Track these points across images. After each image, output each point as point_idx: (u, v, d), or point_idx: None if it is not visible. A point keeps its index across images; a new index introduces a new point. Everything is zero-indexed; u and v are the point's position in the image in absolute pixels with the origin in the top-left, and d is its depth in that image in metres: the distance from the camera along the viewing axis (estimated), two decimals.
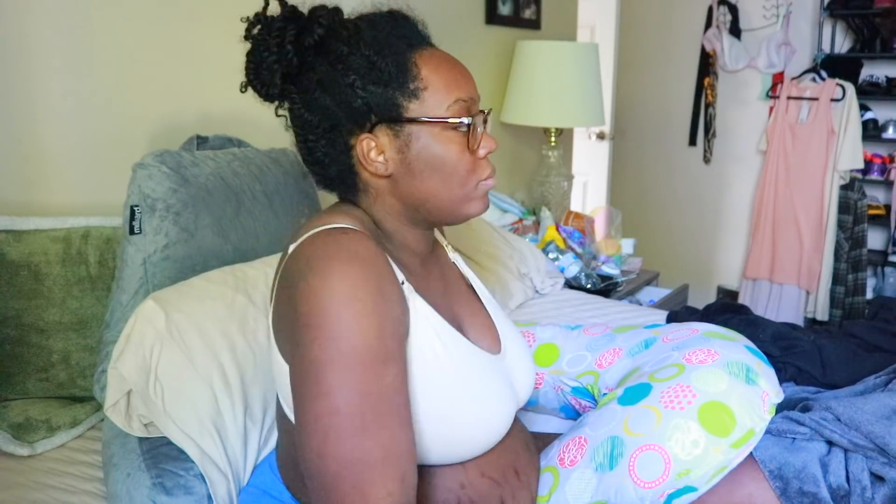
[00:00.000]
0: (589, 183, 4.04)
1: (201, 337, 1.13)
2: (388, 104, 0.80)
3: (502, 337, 0.99)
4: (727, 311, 1.83)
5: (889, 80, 3.50)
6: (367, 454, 0.70)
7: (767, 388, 1.02)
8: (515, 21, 2.75)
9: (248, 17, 0.84)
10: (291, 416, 0.85)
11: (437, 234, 1.04)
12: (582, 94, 2.48)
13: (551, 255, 2.40)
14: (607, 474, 0.92)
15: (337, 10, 0.85)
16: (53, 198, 1.46)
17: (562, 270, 2.37)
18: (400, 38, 0.82)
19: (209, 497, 1.04)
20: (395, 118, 0.81)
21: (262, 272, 1.29)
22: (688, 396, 0.96)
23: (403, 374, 0.77)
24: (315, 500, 0.73)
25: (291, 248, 0.82)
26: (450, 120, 0.81)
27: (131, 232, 1.25)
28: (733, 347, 1.08)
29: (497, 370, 0.91)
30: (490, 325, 0.99)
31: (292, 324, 0.76)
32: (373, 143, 0.82)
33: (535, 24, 2.87)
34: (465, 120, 0.82)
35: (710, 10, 3.72)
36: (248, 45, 0.85)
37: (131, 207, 1.26)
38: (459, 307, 0.97)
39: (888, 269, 3.60)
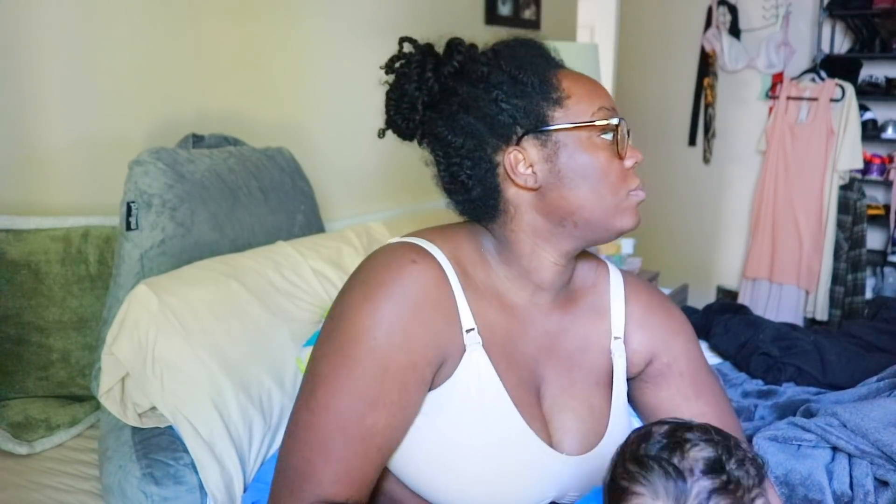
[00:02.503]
0: None
1: (196, 319, 1.14)
2: (533, 114, 0.80)
3: (601, 446, 0.89)
4: (727, 311, 1.83)
5: (888, 80, 3.50)
6: (319, 474, 0.76)
7: None
8: (515, 21, 2.75)
9: (390, 57, 0.86)
10: None
11: (616, 313, 0.96)
12: None
13: None
14: None
15: (473, 44, 0.86)
16: (53, 197, 1.46)
17: None
18: (538, 56, 0.83)
19: (201, 487, 1.04)
20: (541, 128, 0.80)
21: (254, 260, 1.30)
22: None
23: (396, 419, 0.78)
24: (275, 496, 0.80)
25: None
26: (597, 123, 0.80)
27: (128, 228, 1.25)
28: None
29: (542, 463, 0.84)
30: (593, 428, 0.90)
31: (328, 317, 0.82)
32: (520, 156, 0.81)
33: (534, 25, 2.87)
34: (614, 121, 0.81)
35: (710, 10, 3.72)
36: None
37: (128, 204, 1.26)
38: (556, 376, 0.90)
39: (887, 269, 3.60)
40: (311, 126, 1.98)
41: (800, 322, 3.50)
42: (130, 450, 1.08)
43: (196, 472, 1.05)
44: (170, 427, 1.12)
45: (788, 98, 3.51)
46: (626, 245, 2.78)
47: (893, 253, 3.54)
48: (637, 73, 4.08)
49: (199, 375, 1.10)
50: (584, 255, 0.95)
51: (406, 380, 0.78)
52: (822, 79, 3.41)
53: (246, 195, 1.43)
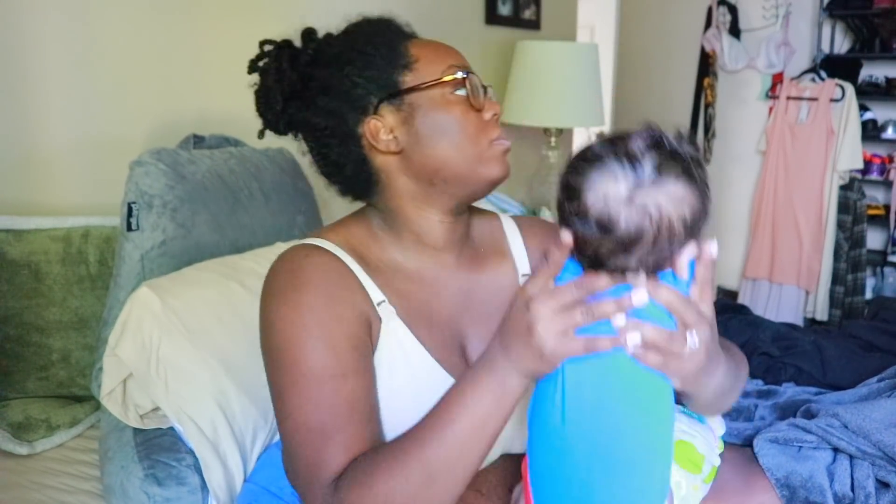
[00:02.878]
0: None
1: (198, 320, 1.14)
2: (384, 82, 0.84)
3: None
4: (727, 311, 1.84)
5: (888, 80, 3.50)
6: (330, 448, 0.75)
7: (714, 425, 1.00)
8: (515, 21, 2.75)
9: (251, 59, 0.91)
10: None
11: (518, 251, 0.98)
12: (582, 94, 2.48)
13: None
14: None
15: (328, 33, 0.91)
16: (53, 197, 1.47)
17: None
18: (387, 31, 0.88)
19: (202, 488, 1.04)
20: (393, 93, 0.84)
21: (254, 262, 1.30)
22: None
23: (367, 382, 0.80)
24: (302, 497, 0.78)
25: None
26: (445, 79, 0.84)
27: (128, 228, 1.25)
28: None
29: None
30: None
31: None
32: (379, 124, 0.84)
33: (534, 25, 2.87)
34: (460, 75, 0.84)
35: (710, 10, 3.72)
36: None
37: (128, 204, 1.26)
38: (477, 329, 0.91)
39: (887, 269, 3.60)
40: None
41: (800, 322, 3.50)
42: (132, 450, 1.08)
43: (198, 473, 1.05)
44: (171, 428, 1.12)
45: (788, 98, 3.51)
46: None
47: (893, 253, 3.54)
48: (637, 73, 4.08)
49: (204, 376, 1.10)
50: (476, 212, 0.98)
51: (356, 347, 0.80)
52: (822, 79, 3.41)
53: (247, 196, 1.43)
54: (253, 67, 0.91)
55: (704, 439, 0.94)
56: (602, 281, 0.64)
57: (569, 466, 0.66)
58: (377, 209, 0.90)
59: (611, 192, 0.61)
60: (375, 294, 0.84)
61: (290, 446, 0.78)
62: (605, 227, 0.62)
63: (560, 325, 0.64)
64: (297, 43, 0.91)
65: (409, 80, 0.84)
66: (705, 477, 0.91)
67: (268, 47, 0.91)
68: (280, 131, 0.92)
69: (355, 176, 0.88)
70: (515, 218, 1.03)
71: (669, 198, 0.61)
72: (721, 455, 0.97)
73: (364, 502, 0.70)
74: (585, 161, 0.64)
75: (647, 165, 0.61)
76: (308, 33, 0.90)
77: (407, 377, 0.83)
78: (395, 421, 0.82)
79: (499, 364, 0.69)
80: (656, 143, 0.62)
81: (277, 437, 1.18)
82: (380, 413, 0.82)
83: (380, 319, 0.83)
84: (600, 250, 0.63)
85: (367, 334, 0.82)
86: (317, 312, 0.79)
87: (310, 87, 0.87)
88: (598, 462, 0.65)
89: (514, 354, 0.68)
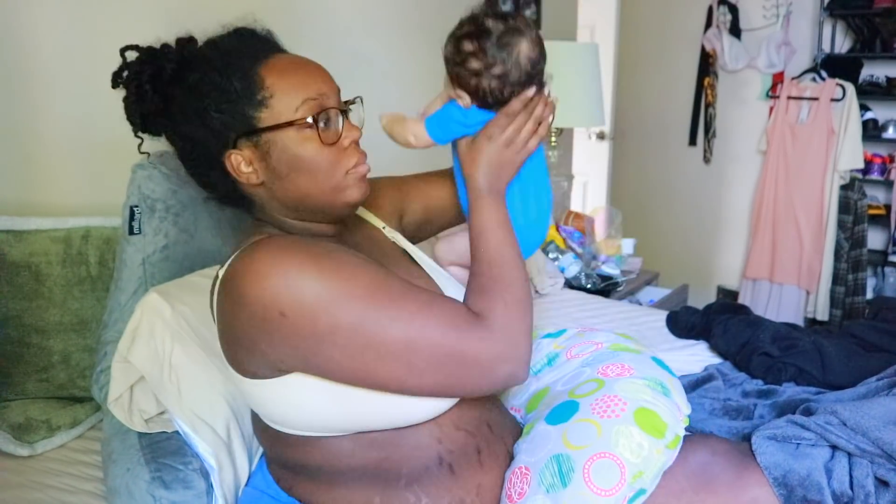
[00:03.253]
0: (589, 183, 4.04)
1: (207, 326, 1.14)
2: (240, 119, 0.85)
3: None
4: (727, 311, 1.83)
5: (889, 79, 3.50)
6: (457, 311, 0.84)
7: (679, 402, 1.04)
8: None
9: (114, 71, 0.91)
10: (262, 419, 0.93)
11: (368, 216, 1.10)
12: (582, 94, 2.48)
13: (551, 255, 2.40)
14: (562, 493, 0.89)
15: (189, 40, 0.91)
16: (54, 198, 1.47)
17: (562, 270, 2.36)
18: (244, 54, 0.87)
19: (208, 492, 1.04)
20: (249, 131, 0.85)
21: None
22: (619, 405, 0.96)
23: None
24: (455, 388, 0.84)
25: (221, 273, 0.87)
26: (295, 122, 0.85)
27: (130, 232, 1.25)
28: (643, 362, 1.09)
29: None
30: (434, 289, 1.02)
31: (264, 337, 0.80)
32: (240, 157, 0.86)
33: (534, 25, 2.87)
34: (309, 119, 0.85)
35: (710, 9, 3.72)
36: None
37: (131, 208, 1.26)
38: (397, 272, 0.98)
39: (888, 269, 3.59)
40: None
41: (800, 322, 3.50)
42: (138, 453, 1.08)
43: (204, 477, 1.05)
44: (176, 432, 1.12)
45: (789, 98, 3.51)
46: (626, 245, 2.77)
47: (894, 253, 3.53)
48: (637, 73, 4.08)
49: (216, 381, 1.10)
50: None
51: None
52: (823, 78, 3.41)
53: None
54: (115, 82, 0.92)
55: (668, 409, 1.00)
56: (531, 91, 0.93)
57: (521, 209, 1.01)
58: (265, 221, 0.93)
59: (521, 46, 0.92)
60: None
61: (399, 359, 0.80)
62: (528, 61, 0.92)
63: (521, 140, 0.93)
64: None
65: (264, 116, 0.85)
66: (668, 443, 0.95)
67: (130, 54, 0.91)
68: (156, 135, 0.94)
69: (229, 196, 0.92)
70: None
71: (531, 42, 0.92)
72: (686, 428, 1.02)
73: (497, 309, 0.84)
74: (467, 34, 0.92)
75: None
76: (166, 51, 0.90)
77: None
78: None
79: (484, 196, 0.92)
80: (498, 13, 0.93)
81: None
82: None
83: None
84: (509, 80, 0.92)
85: None
86: (300, 251, 0.81)
87: (171, 107, 0.88)
88: (533, 198, 1.02)
89: (495, 181, 0.93)
